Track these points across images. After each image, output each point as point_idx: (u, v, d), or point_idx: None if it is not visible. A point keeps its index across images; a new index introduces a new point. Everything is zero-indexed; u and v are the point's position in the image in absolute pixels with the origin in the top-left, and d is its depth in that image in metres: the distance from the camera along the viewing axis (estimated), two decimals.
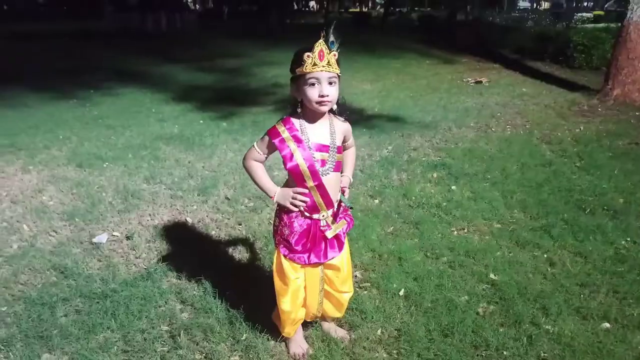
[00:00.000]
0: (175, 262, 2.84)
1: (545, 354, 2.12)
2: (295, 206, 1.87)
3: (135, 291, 2.55)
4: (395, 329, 2.30)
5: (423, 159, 4.70)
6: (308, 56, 1.70)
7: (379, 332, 2.29)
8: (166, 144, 5.08)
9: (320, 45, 1.69)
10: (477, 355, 2.14)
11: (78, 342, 2.19)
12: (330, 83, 1.75)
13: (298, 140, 1.82)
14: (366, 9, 50.63)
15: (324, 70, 1.71)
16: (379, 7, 52.01)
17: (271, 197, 1.90)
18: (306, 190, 1.86)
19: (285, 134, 1.83)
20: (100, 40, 15.37)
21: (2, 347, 2.15)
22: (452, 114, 6.45)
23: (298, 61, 1.73)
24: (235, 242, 3.14)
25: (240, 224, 3.38)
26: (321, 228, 1.93)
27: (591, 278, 2.67)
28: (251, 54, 12.64)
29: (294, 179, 1.86)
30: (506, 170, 4.34)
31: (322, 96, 1.73)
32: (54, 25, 20.82)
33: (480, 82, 9.00)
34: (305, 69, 1.71)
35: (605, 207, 3.53)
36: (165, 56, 12.09)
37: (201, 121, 6.07)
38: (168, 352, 2.16)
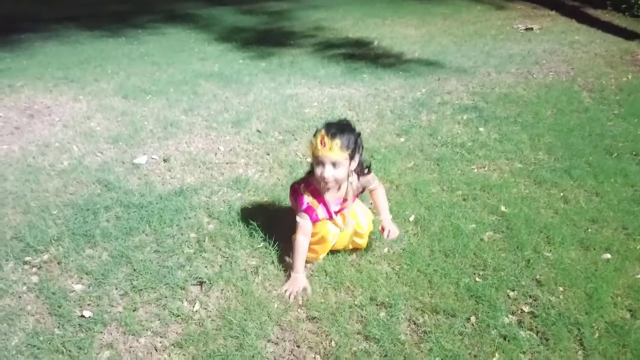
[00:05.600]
0: (205, 183, 3.10)
1: (540, 277, 2.24)
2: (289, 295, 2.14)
3: (168, 204, 2.82)
4: (401, 249, 2.46)
5: (456, 102, 4.69)
6: (311, 141, 1.98)
7: (385, 250, 2.46)
8: (206, 80, 5.29)
9: (321, 135, 1.93)
10: (474, 273, 2.28)
11: (116, 241, 2.49)
12: (335, 165, 1.96)
13: (321, 202, 2.13)
14: None
15: (325, 154, 1.94)
16: None
17: (292, 271, 2.20)
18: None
19: (309, 198, 2.13)
20: None
21: (54, 241, 2.48)
22: (494, 60, 6.28)
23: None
24: (262, 169, 3.35)
25: (268, 154, 3.57)
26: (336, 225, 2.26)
27: (602, 215, 2.72)
28: None
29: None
30: (539, 114, 4.28)
31: (322, 177, 1.97)
32: None
33: (531, 29, 8.58)
34: (312, 148, 1.98)
35: (634, 153, 3.48)
36: None
37: (241, 61, 6.22)
38: (194, 253, 2.43)
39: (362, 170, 2.19)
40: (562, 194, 2.97)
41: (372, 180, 2.28)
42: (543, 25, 8.82)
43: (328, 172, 1.98)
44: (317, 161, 1.99)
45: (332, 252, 2.41)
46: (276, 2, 11.63)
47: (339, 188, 2.15)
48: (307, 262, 2.28)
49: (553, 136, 3.81)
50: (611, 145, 3.61)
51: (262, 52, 6.65)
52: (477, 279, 2.22)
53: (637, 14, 9.65)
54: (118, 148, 3.61)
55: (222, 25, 8.82)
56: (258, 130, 3.99)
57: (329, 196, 2.15)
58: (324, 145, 1.92)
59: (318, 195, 2.14)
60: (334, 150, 1.93)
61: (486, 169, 3.35)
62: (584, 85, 5.17)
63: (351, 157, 2.01)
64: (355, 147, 2.00)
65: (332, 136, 1.92)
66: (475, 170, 3.34)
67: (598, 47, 6.93)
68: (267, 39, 7.65)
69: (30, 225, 2.61)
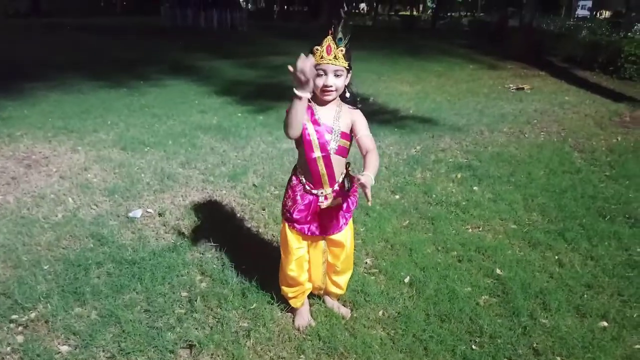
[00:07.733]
0: (200, 239, 3.07)
1: (538, 345, 2.20)
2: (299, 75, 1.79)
3: (161, 260, 2.79)
4: (396, 312, 2.43)
5: (450, 160, 4.76)
6: (317, 49, 1.89)
7: (380, 313, 2.42)
8: (204, 133, 5.37)
9: (328, 41, 1.88)
10: (471, 340, 2.23)
11: (106, 299, 2.44)
12: (337, 75, 1.93)
13: (313, 119, 2.00)
14: (416, 13, 50.11)
15: (329, 63, 1.89)
16: (430, 10, 51.39)
17: (298, 96, 1.84)
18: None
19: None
20: (156, 36, 16.09)
21: (42, 299, 2.43)
22: (486, 119, 6.45)
23: (311, 53, 1.91)
24: (257, 224, 3.34)
25: (264, 209, 3.58)
26: (319, 203, 2.09)
27: (597, 280, 2.70)
28: (296, 52, 12.89)
29: (305, 147, 2.02)
30: (532, 174, 4.34)
31: (326, 86, 1.92)
32: (113, 20, 21.85)
33: (522, 88, 8.87)
34: (315, 60, 1.89)
35: (626, 215, 3.51)
36: (214, 52, 12.56)
37: (239, 114, 6.34)
38: (185, 314, 2.38)
39: (353, 97, 2.07)
40: (556, 257, 2.97)
41: (360, 120, 2.05)
42: (534, 85, 9.13)
43: (331, 80, 1.91)
44: (317, 72, 1.88)
45: (326, 314, 2.37)
46: (275, 57, 12.01)
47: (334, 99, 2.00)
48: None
49: (546, 197, 3.85)
50: (604, 208, 3.65)
51: (261, 106, 6.80)
52: (473, 347, 2.18)
53: (624, 76, 10.02)
54: (114, 201, 3.61)
55: (223, 78, 9.07)
56: (254, 185, 4.01)
57: (321, 114, 2.01)
58: (330, 53, 1.87)
59: (312, 115, 1.99)
60: (339, 58, 1.89)
61: (481, 229, 3.36)
62: (575, 145, 5.28)
63: (347, 71, 1.96)
64: (350, 60, 1.94)
65: (339, 42, 1.88)
66: (470, 230, 3.35)
67: (588, 108, 7.14)
68: (266, 92, 7.84)
69: (20, 280, 2.57)
